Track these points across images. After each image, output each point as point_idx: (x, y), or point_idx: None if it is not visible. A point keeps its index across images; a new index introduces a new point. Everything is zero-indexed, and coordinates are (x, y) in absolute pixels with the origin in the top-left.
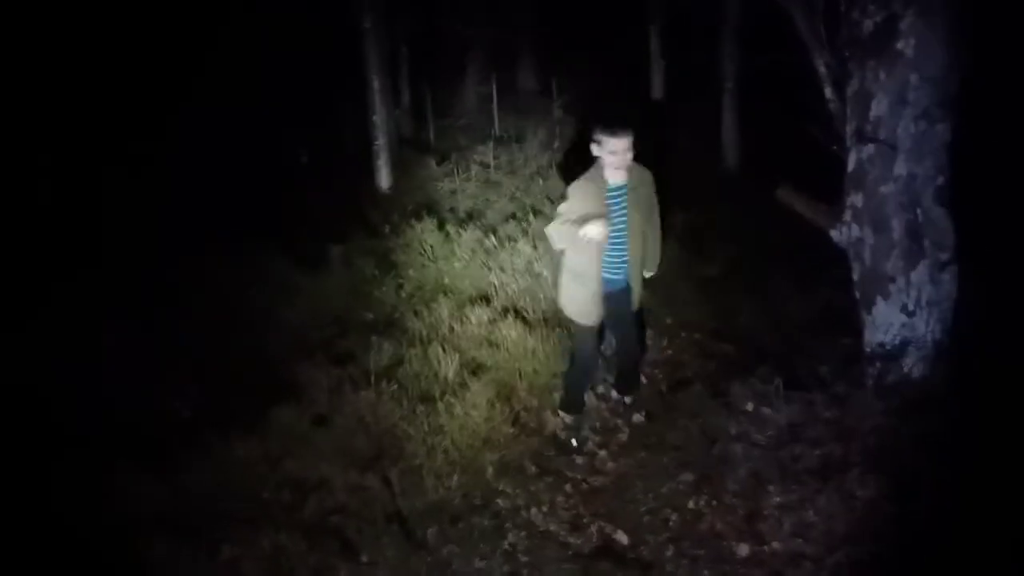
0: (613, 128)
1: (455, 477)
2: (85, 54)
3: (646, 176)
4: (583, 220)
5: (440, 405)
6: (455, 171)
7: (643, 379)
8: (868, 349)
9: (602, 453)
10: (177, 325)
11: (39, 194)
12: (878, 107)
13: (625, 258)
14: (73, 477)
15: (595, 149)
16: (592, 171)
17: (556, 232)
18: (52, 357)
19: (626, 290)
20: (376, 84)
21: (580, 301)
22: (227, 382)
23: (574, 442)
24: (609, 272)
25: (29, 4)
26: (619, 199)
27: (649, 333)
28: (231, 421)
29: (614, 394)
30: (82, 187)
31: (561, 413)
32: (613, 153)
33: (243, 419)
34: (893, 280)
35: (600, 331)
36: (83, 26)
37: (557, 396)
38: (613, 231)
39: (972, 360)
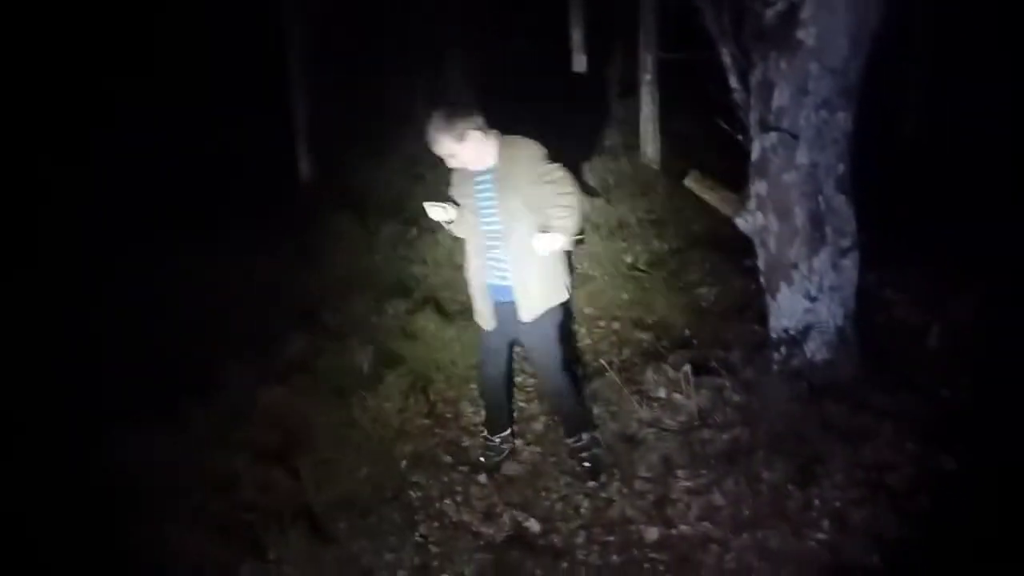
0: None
1: (365, 469)
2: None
3: (520, 153)
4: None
5: (353, 399)
6: (378, 163)
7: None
8: (773, 335)
9: (518, 443)
10: (96, 317)
11: None
12: (780, 97)
13: (503, 260)
14: None
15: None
16: None
17: (429, 208)
18: None
19: (513, 303)
20: (296, 69)
21: (471, 296)
22: (140, 374)
23: (482, 459)
24: (493, 277)
25: None
26: (484, 188)
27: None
28: (142, 414)
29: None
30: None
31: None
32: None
33: (154, 412)
34: (796, 267)
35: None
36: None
37: (475, 387)
38: (485, 226)
39: (872, 344)
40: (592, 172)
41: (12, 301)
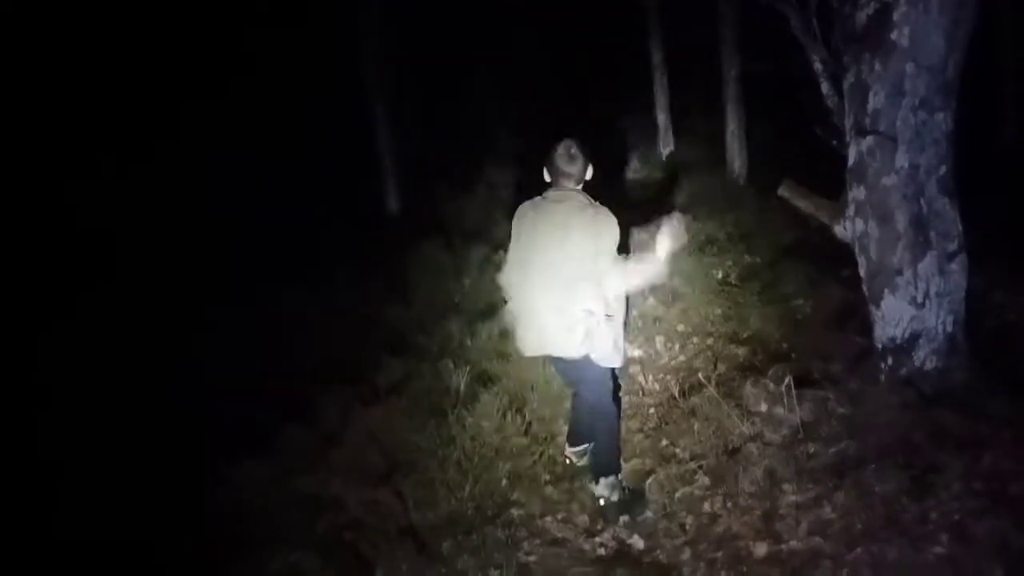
0: None
1: (467, 488)
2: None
3: None
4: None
5: (451, 417)
6: (461, 191)
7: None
8: (879, 344)
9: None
10: (196, 348)
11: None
12: (875, 99)
13: None
14: (81, 497)
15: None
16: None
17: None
18: (75, 376)
19: None
20: (379, 108)
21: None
22: (237, 404)
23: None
24: None
25: None
26: None
27: (661, 340)
28: (241, 442)
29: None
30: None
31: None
32: None
33: (255, 440)
34: (900, 273)
35: None
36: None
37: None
38: None
39: (984, 350)
40: (678, 188)
41: (121, 335)
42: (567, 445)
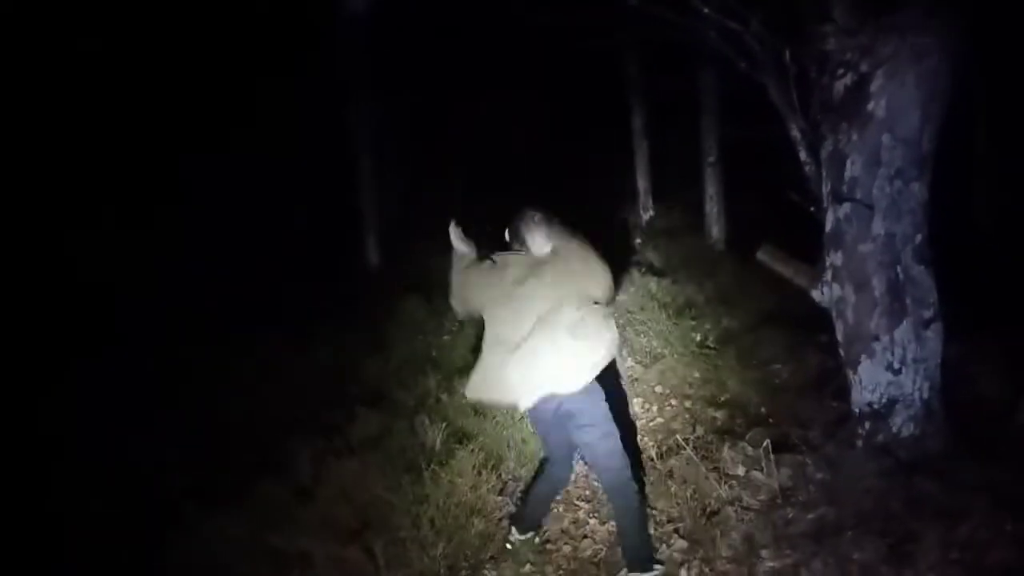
0: None
1: (440, 547)
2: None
3: None
4: None
5: (426, 474)
6: (442, 250)
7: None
8: (856, 409)
9: (592, 521)
10: (164, 398)
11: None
12: (852, 168)
13: None
14: (52, 549)
15: None
16: None
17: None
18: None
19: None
20: (365, 163)
21: None
22: (211, 456)
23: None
24: None
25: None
26: None
27: (638, 402)
28: (213, 494)
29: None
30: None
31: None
32: None
33: (225, 492)
34: (877, 338)
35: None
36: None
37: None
38: None
39: (958, 419)
40: (657, 252)
41: (90, 380)
42: (512, 527)
